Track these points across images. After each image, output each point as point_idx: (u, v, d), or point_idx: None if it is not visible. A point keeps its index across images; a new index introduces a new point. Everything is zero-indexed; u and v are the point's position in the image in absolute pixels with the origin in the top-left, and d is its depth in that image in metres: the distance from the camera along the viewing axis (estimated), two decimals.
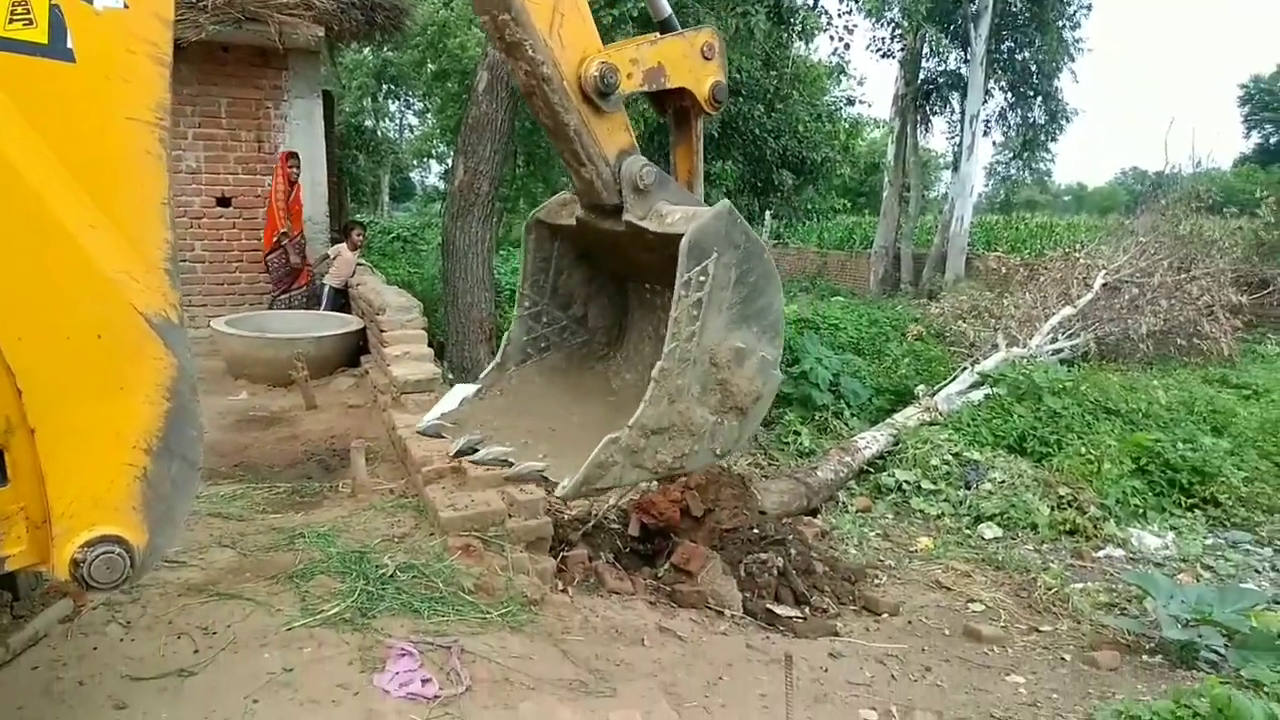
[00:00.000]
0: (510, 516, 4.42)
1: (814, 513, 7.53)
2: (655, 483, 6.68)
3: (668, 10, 2.91)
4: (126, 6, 1.83)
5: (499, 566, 4.12)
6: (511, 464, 2.68)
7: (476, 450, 2.80)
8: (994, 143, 26.68)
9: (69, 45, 1.79)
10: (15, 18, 1.75)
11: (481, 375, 3.20)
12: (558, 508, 5.63)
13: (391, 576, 3.85)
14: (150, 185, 1.89)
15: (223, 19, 8.65)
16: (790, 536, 6.02)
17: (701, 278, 2.49)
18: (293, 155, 9.60)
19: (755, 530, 5.94)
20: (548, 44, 2.42)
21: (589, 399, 3.09)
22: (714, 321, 2.56)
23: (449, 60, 20.45)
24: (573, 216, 2.93)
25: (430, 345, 7.51)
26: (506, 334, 3.15)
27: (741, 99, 12.91)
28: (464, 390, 3.11)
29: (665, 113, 3.03)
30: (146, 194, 1.89)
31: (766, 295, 2.70)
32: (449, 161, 17.70)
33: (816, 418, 9.79)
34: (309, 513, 4.79)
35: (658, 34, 2.83)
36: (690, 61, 2.79)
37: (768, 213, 21.32)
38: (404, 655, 3.28)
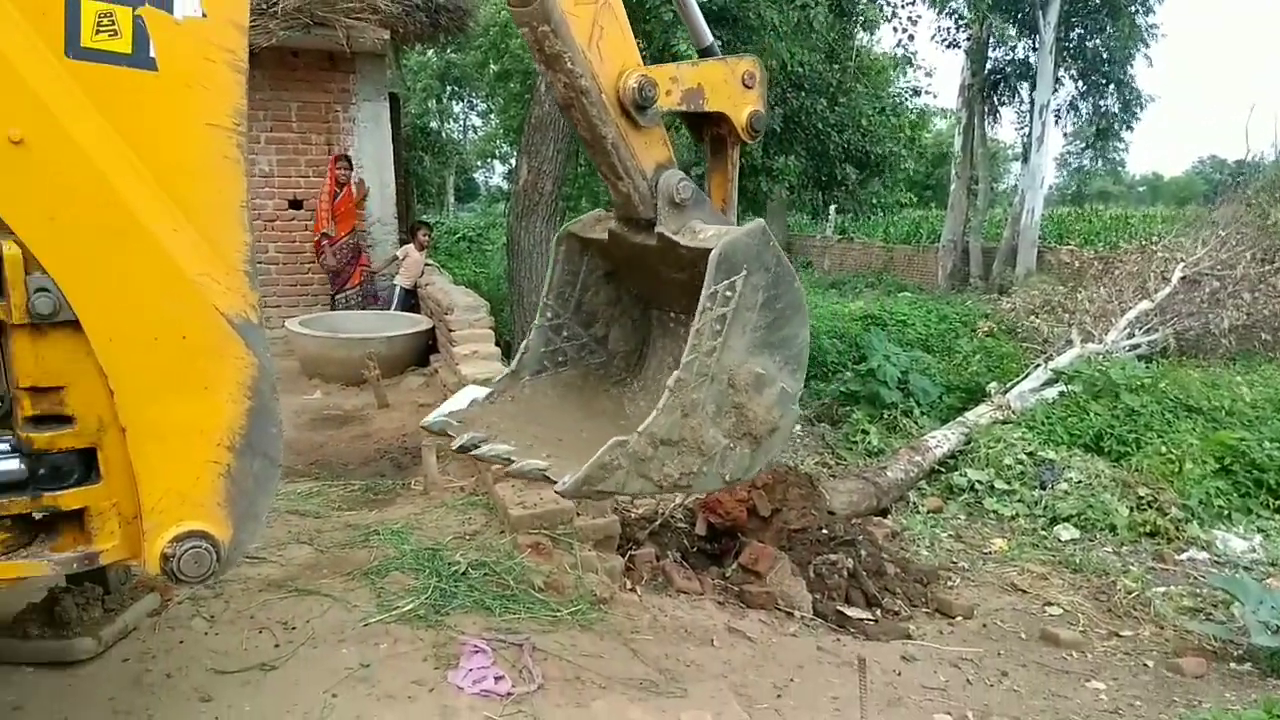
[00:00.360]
0: (578, 515, 4.43)
1: (884, 513, 7.42)
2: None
3: (709, 38, 2.86)
4: (205, 15, 1.86)
5: (568, 565, 4.13)
6: (512, 461, 2.63)
7: (478, 447, 2.77)
8: (1065, 133, 26.01)
9: (151, 54, 1.83)
10: (101, 29, 1.79)
11: (494, 380, 3.18)
12: (625, 506, 5.63)
13: (464, 574, 3.89)
14: (229, 189, 1.93)
15: (292, 24, 8.83)
16: (860, 537, 5.94)
17: (729, 293, 2.43)
18: (342, 158, 9.77)
19: (824, 531, 5.88)
20: (586, 56, 2.40)
21: (599, 419, 3.04)
22: (736, 341, 2.50)
23: (511, 61, 20.64)
24: (605, 231, 2.91)
25: (497, 344, 7.58)
26: (524, 342, 3.13)
27: (804, 93, 12.79)
28: (475, 392, 3.08)
29: (702, 139, 2.98)
30: (226, 198, 1.93)
31: (793, 325, 2.63)
32: (512, 161, 17.86)
33: (885, 416, 9.65)
34: (383, 510, 4.87)
35: (696, 63, 2.79)
36: (730, 87, 2.73)
37: (831, 207, 21.07)
38: (477, 652, 3.31)
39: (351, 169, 9.82)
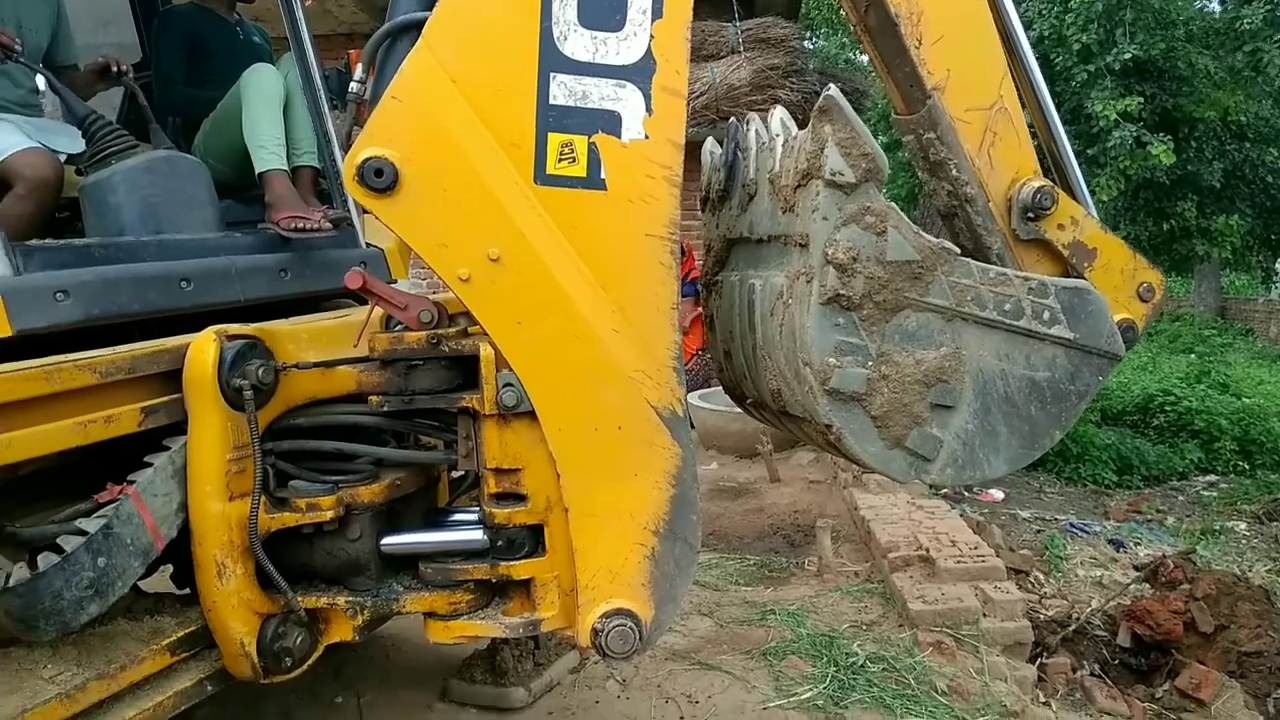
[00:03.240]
0: (984, 615, 4.13)
1: None
2: (1149, 586, 5.87)
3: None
4: (647, 137, 2.05)
5: (973, 669, 3.86)
6: None
7: None
8: None
9: (602, 176, 2.05)
10: (563, 158, 2.05)
11: None
12: (1034, 609, 5.17)
13: (862, 666, 3.78)
14: (663, 293, 2.09)
15: (700, 121, 9.48)
16: None
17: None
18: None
19: None
20: (975, 164, 2.29)
21: None
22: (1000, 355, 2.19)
23: (899, 131, 20.45)
24: None
25: None
26: None
27: (1248, 143, 11.20)
28: None
29: None
30: (660, 301, 2.09)
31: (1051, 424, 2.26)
32: None
33: None
34: (777, 588, 4.90)
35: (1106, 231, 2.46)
36: (1123, 282, 2.41)
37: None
38: None
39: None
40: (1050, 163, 2.51)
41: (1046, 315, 2.21)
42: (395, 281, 3.45)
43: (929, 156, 2.32)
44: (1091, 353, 2.25)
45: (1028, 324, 2.20)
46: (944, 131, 2.27)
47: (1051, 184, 2.33)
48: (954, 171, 2.29)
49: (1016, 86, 2.34)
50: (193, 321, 2.47)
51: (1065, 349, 2.23)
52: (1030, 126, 2.43)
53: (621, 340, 2.08)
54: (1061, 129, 2.48)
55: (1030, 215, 2.31)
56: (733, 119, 2.67)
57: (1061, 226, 2.35)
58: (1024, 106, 2.40)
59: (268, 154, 3.33)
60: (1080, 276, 2.36)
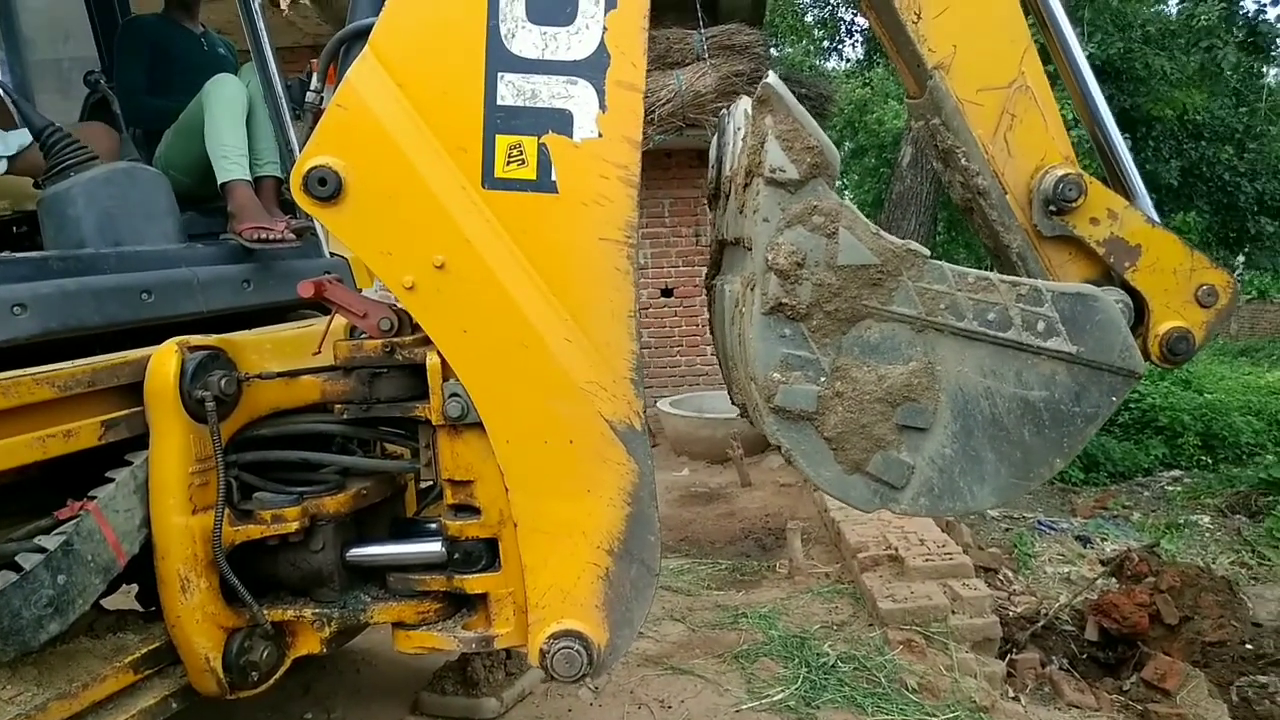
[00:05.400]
0: (953, 613, 4.18)
1: None
2: (1115, 581, 5.95)
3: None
4: (601, 135, 1.98)
5: (943, 666, 3.90)
6: None
7: None
8: None
9: (553, 178, 1.99)
10: (511, 160, 1.99)
11: None
12: (1003, 605, 5.23)
13: (833, 666, 3.81)
14: (619, 300, 2.01)
15: (666, 128, 9.52)
16: None
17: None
18: None
19: (1248, 646, 5.06)
20: (988, 151, 2.05)
21: None
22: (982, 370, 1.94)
23: (866, 136, 20.64)
24: None
25: None
26: None
27: (1204, 141, 11.43)
28: None
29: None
30: (615, 308, 2.02)
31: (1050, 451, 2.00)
32: None
33: None
34: (749, 592, 4.93)
35: (1157, 221, 2.15)
36: (1178, 284, 2.09)
37: (1238, 259, 18.57)
38: None
39: None
40: (1095, 150, 2.22)
41: (1041, 326, 1.94)
42: (361, 290, 3.44)
43: (937, 145, 2.11)
44: (1101, 369, 1.96)
45: (1017, 336, 1.94)
46: (949, 115, 2.03)
47: (1080, 172, 2.04)
48: (963, 160, 2.06)
49: (1048, 61, 2.07)
50: (155, 334, 2.45)
51: (1066, 365, 1.95)
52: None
53: (573, 350, 2.00)
54: (1105, 109, 2.18)
55: (1052, 209, 2.04)
56: (723, 110, 2.45)
57: (1095, 221, 2.06)
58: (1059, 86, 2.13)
59: (230, 164, 3.32)
60: (1120, 278, 2.09)
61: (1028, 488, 2.06)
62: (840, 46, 21.19)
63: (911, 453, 1.95)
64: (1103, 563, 6.72)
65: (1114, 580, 6.05)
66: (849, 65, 21.81)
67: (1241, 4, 10.71)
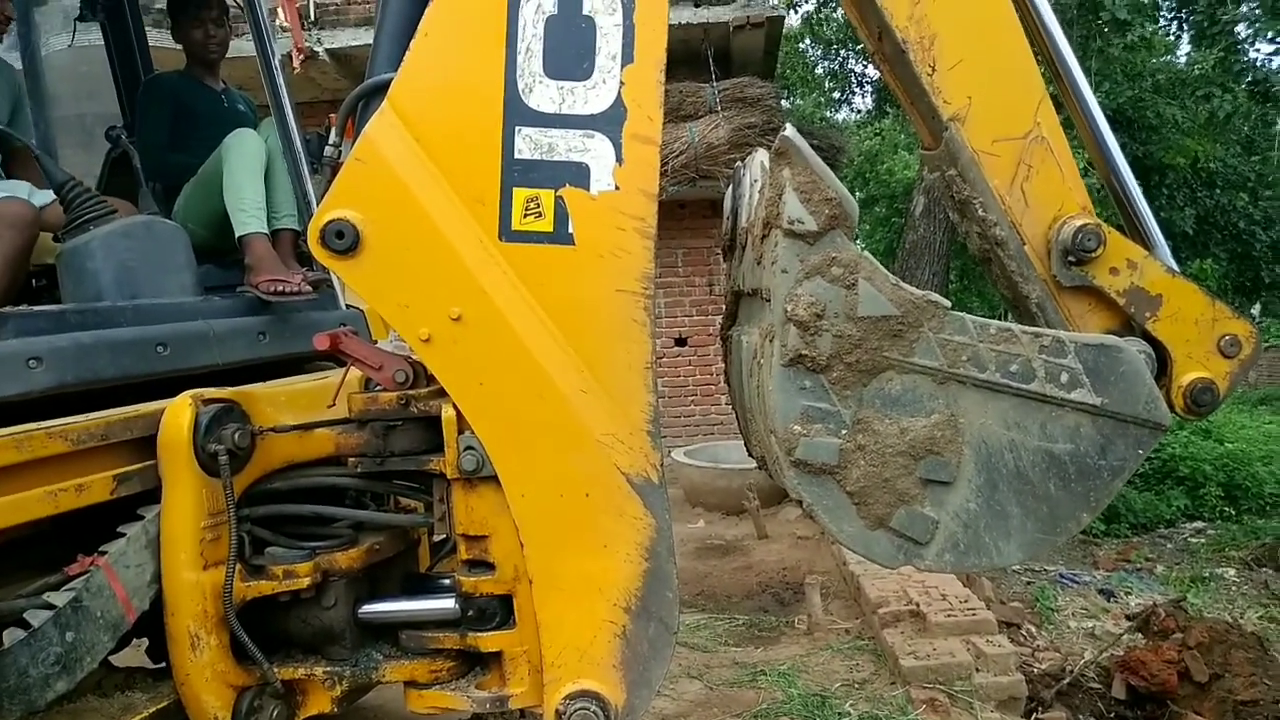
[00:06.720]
0: (977, 670, 4.08)
1: None
2: (1141, 636, 5.81)
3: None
4: (618, 188, 1.98)
5: None
6: None
7: None
8: None
9: (570, 230, 1.98)
10: (529, 212, 1.99)
11: None
12: (1027, 662, 5.11)
13: None
14: (636, 351, 1.99)
15: (680, 180, 9.61)
16: None
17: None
18: None
19: None
20: (1005, 202, 2.05)
21: None
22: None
23: (877, 186, 20.79)
24: None
25: None
26: None
27: (1218, 189, 11.45)
28: None
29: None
30: (632, 360, 2.00)
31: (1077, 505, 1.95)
32: None
33: None
34: (767, 648, 4.83)
35: (1177, 271, 2.13)
36: (1200, 334, 2.07)
37: (1255, 309, 18.51)
38: None
39: None
40: (1112, 200, 2.22)
41: (1064, 378, 1.91)
42: (377, 342, 3.43)
43: (953, 195, 2.11)
44: (1126, 421, 1.92)
45: (1040, 388, 1.91)
46: (965, 167, 2.04)
47: (1099, 222, 2.03)
48: (980, 211, 2.06)
49: (1062, 111, 2.08)
50: (171, 387, 2.45)
51: (1091, 417, 1.92)
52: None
53: (590, 401, 1.98)
54: (1120, 157, 2.18)
55: (1071, 259, 2.03)
56: (738, 162, 2.48)
57: (1115, 271, 2.05)
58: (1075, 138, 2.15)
59: (248, 217, 3.35)
60: (1141, 328, 2.07)
61: (1055, 543, 2.00)
62: (850, 98, 21.46)
63: (935, 507, 1.92)
64: (1128, 617, 6.58)
65: (1140, 636, 5.92)
66: (859, 116, 22.05)
67: (1244, 54, 10.80)
